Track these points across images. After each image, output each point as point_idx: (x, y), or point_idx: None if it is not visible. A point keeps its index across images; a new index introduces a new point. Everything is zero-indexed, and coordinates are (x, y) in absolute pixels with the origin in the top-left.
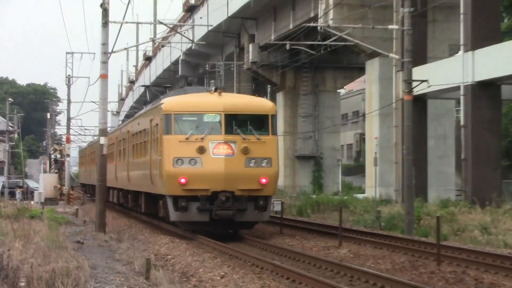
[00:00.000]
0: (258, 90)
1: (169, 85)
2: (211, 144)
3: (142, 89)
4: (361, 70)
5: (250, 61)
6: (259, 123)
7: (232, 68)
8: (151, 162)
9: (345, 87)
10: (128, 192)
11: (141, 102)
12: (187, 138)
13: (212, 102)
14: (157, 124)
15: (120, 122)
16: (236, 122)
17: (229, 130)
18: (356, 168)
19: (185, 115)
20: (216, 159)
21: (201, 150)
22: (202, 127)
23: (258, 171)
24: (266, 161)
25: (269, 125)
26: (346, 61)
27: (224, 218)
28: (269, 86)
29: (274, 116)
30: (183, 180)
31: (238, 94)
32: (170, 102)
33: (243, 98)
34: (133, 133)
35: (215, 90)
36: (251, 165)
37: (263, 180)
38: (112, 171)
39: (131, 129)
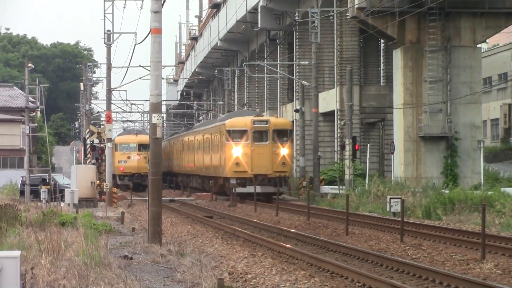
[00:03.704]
0: (367, 46)
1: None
2: (132, 155)
3: (209, 48)
4: (509, 17)
5: (356, 6)
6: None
7: (331, 18)
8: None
9: (488, 40)
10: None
11: (208, 66)
12: (123, 153)
13: (134, 138)
14: (112, 146)
15: (179, 94)
16: (141, 146)
17: (139, 149)
18: (504, 152)
19: (122, 144)
20: (134, 160)
21: (128, 157)
22: (129, 148)
23: None
24: None
25: None
26: (489, 5)
27: (138, 183)
28: (382, 40)
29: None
30: (121, 168)
31: (143, 134)
32: (117, 138)
33: (143, 137)
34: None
35: (136, 134)
36: (148, 164)
37: None
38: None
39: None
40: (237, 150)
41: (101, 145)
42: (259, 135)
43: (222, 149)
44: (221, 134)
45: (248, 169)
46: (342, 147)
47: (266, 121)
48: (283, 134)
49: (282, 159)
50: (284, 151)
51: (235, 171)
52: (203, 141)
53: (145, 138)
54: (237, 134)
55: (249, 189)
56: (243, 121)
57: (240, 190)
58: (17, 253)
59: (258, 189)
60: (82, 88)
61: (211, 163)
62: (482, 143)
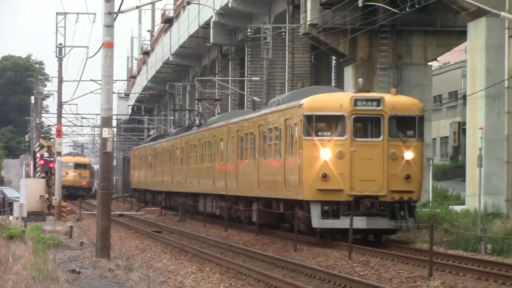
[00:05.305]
0: (318, 63)
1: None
2: (69, 171)
3: (160, 63)
4: (461, 35)
5: (309, 23)
6: (85, 167)
7: (283, 34)
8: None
9: (438, 58)
10: None
11: (159, 81)
12: (63, 169)
13: (72, 159)
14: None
15: (129, 109)
16: (77, 165)
17: (75, 167)
18: (453, 170)
19: (63, 162)
20: (71, 176)
21: (67, 173)
22: (68, 166)
23: (83, 180)
24: (85, 177)
25: (88, 168)
26: (441, 23)
27: (72, 193)
28: (333, 57)
29: (90, 164)
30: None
31: (79, 157)
32: (63, 158)
33: (78, 158)
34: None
35: (74, 156)
36: (81, 179)
37: (84, 183)
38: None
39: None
40: (325, 153)
41: (51, 159)
42: (364, 125)
43: (293, 150)
44: (290, 124)
45: (344, 187)
46: None
47: (378, 101)
48: (408, 124)
49: (406, 169)
50: (408, 155)
51: (321, 190)
52: (239, 140)
53: (80, 159)
54: (323, 123)
55: (346, 222)
56: (335, 100)
57: (328, 224)
58: None
59: (362, 222)
60: (33, 101)
61: (257, 176)
62: (431, 160)
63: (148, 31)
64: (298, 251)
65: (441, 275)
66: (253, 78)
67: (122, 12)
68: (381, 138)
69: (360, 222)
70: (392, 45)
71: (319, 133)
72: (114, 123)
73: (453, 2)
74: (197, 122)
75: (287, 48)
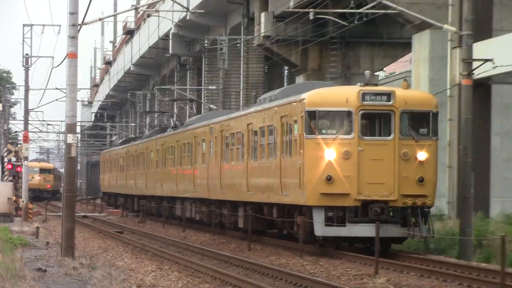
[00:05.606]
0: (271, 73)
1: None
2: (35, 175)
3: (122, 72)
4: (406, 47)
5: (262, 35)
6: (49, 171)
7: (238, 45)
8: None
9: (385, 69)
10: None
11: (121, 90)
12: (29, 174)
13: (37, 164)
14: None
15: (92, 116)
16: (42, 170)
17: (40, 172)
18: None
19: (30, 168)
20: (36, 179)
21: (32, 177)
22: (33, 171)
23: (47, 183)
24: (50, 181)
25: (52, 172)
26: (387, 35)
27: (38, 195)
28: (286, 67)
29: (56, 170)
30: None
31: (44, 162)
32: (29, 163)
33: (43, 164)
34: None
35: (39, 162)
36: (45, 182)
37: (48, 186)
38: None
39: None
40: (329, 153)
41: (18, 163)
42: (373, 122)
43: (292, 150)
44: (288, 121)
45: (350, 190)
46: None
47: (388, 95)
48: (421, 121)
49: (419, 171)
50: (422, 155)
51: (324, 194)
52: (224, 140)
53: (45, 165)
54: (328, 120)
55: (352, 229)
56: (341, 95)
57: (333, 232)
58: None
59: (370, 230)
60: (0, 108)
61: (246, 179)
62: None
63: (110, 42)
64: (252, 251)
65: (387, 272)
66: (210, 87)
67: (86, 24)
68: (391, 136)
69: (367, 230)
70: (341, 56)
71: (323, 131)
72: (78, 129)
73: (399, 15)
74: (172, 123)
75: (242, 58)
